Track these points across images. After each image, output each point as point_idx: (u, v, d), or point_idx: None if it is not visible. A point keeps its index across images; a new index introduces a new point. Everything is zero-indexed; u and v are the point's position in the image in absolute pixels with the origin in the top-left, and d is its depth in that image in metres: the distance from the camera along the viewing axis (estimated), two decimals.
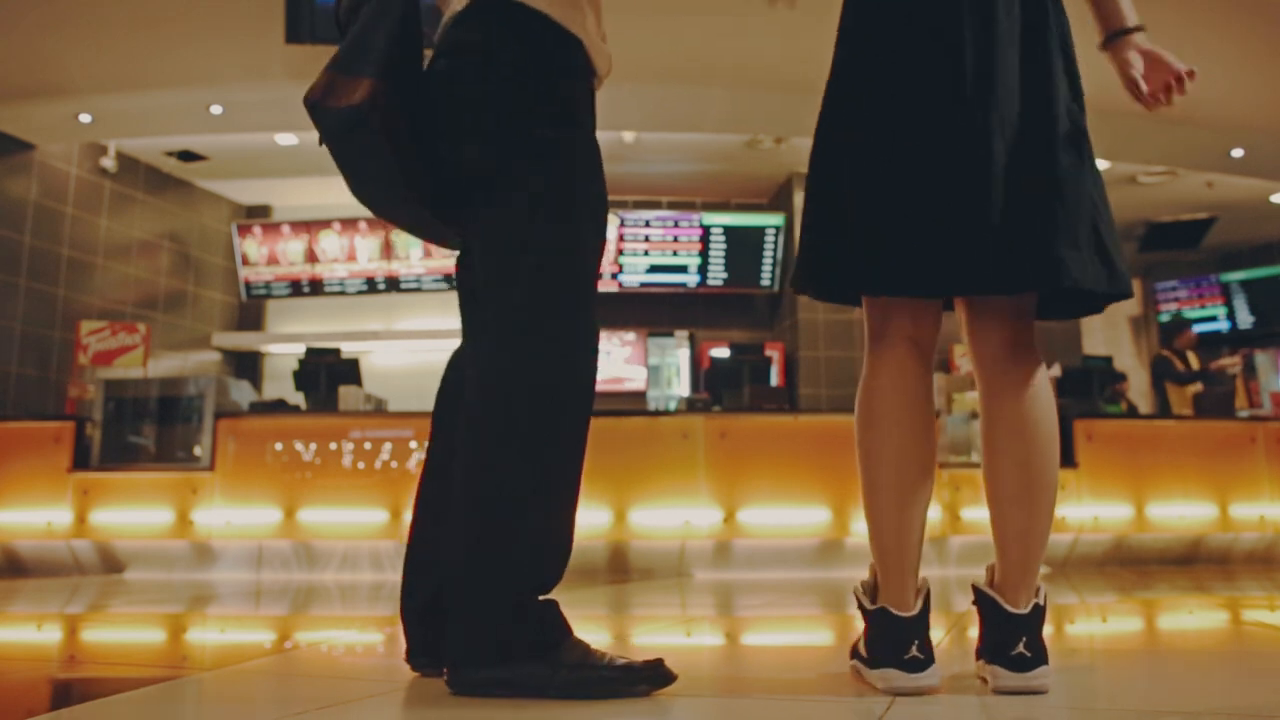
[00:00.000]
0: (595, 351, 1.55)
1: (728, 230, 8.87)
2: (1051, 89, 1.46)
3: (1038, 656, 1.41)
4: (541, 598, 1.47)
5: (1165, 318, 10.56)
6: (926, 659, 1.41)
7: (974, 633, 1.56)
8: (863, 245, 1.45)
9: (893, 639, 1.42)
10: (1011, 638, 1.42)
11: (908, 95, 1.45)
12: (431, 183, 1.52)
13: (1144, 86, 1.51)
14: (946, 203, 1.41)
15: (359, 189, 1.54)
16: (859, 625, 1.57)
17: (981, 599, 1.48)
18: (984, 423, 1.53)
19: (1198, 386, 7.52)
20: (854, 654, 1.57)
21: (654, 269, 8.85)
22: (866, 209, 1.46)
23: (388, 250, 8.88)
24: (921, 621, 1.44)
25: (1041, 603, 1.47)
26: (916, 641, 1.41)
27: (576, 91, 1.55)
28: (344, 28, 1.53)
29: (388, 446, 5.02)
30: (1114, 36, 1.53)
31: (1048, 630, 1.50)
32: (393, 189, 1.50)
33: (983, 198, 1.40)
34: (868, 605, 1.49)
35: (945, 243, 1.40)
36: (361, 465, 5.01)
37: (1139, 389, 10.13)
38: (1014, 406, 1.49)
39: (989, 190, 1.40)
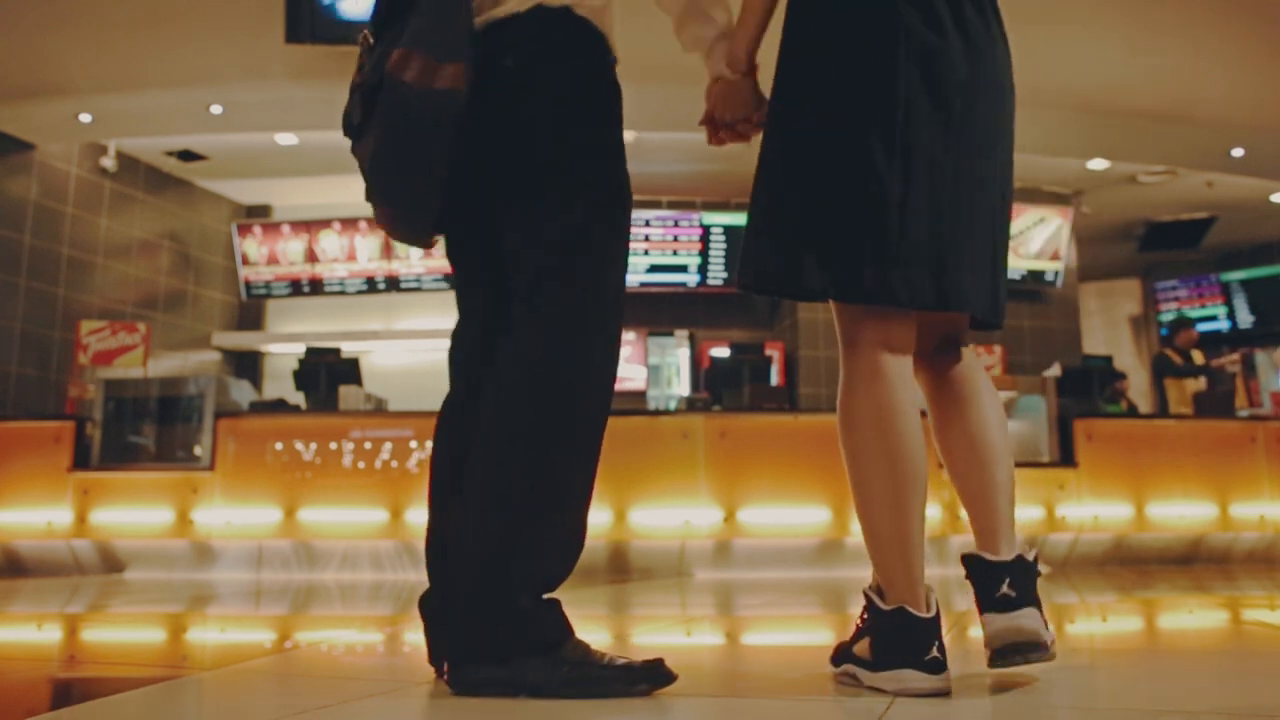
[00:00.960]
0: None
1: (728, 230, 8.87)
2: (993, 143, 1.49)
3: (1022, 598, 1.41)
4: (545, 596, 1.47)
5: (1169, 317, 10.58)
6: (944, 661, 1.38)
7: (975, 632, 1.55)
8: (810, 250, 1.44)
9: (912, 640, 1.37)
10: (996, 582, 1.43)
11: (844, 115, 1.45)
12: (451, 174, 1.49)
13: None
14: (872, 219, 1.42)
15: (396, 172, 1.47)
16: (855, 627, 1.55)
17: (967, 561, 1.50)
18: (930, 407, 1.57)
19: (1200, 382, 7.53)
20: (844, 657, 1.51)
21: (654, 268, 8.85)
22: (820, 217, 1.45)
23: (388, 250, 8.88)
24: (938, 623, 1.41)
25: (1029, 558, 1.48)
26: (936, 643, 1.38)
27: (615, 91, 1.60)
28: (395, 11, 1.47)
29: (388, 446, 5.02)
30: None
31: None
32: (433, 176, 1.47)
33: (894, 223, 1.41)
34: (883, 606, 1.42)
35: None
36: (362, 465, 5.01)
37: (1139, 388, 10.14)
38: (955, 388, 1.55)
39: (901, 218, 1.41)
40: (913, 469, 1.43)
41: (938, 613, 1.42)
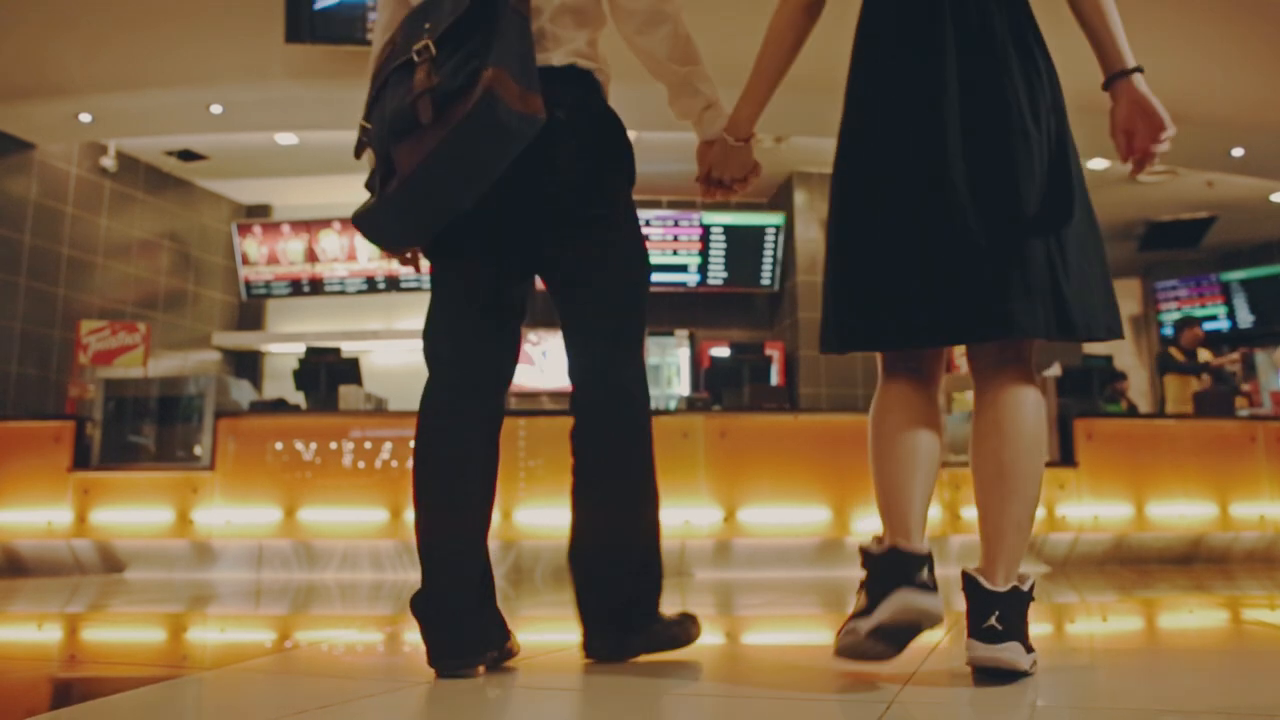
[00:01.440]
0: None
1: (728, 229, 8.87)
2: (1018, 167, 1.57)
3: (1009, 632, 1.47)
4: None
5: (1173, 315, 10.59)
6: (934, 588, 1.48)
7: None
8: (847, 307, 1.67)
9: (903, 569, 1.48)
10: (985, 612, 1.49)
11: (888, 168, 1.61)
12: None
13: (1132, 138, 1.61)
14: (917, 267, 1.58)
15: (451, 174, 1.59)
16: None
17: (966, 580, 1.54)
18: (973, 424, 1.65)
19: (1205, 381, 7.52)
20: (847, 622, 1.52)
21: (654, 268, 8.84)
22: (850, 274, 1.67)
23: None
24: (930, 558, 1.52)
25: (1024, 589, 1.53)
26: (926, 568, 1.49)
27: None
28: (463, 29, 1.58)
29: (388, 446, 5.02)
30: (1112, 79, 1.62)
31: (1047, 629, 1.50)
32: (479, 187, 1.62)
33: (948, 262, 1.56)
34: (875, 550, 1.53)
35: (914, 302, 1.58)
36: (362, 465, 5.01)
37: (1139, 388, 10.14)
38: (995, 411, 1.60)
39: (954, 256, 1.56)
40: (883, 461, 1.64)
41: (929, 553, 1.53)
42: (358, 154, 1.80)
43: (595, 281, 1.78)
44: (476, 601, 1.70)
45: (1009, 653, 1.46)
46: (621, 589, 1.74)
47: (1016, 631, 1.49)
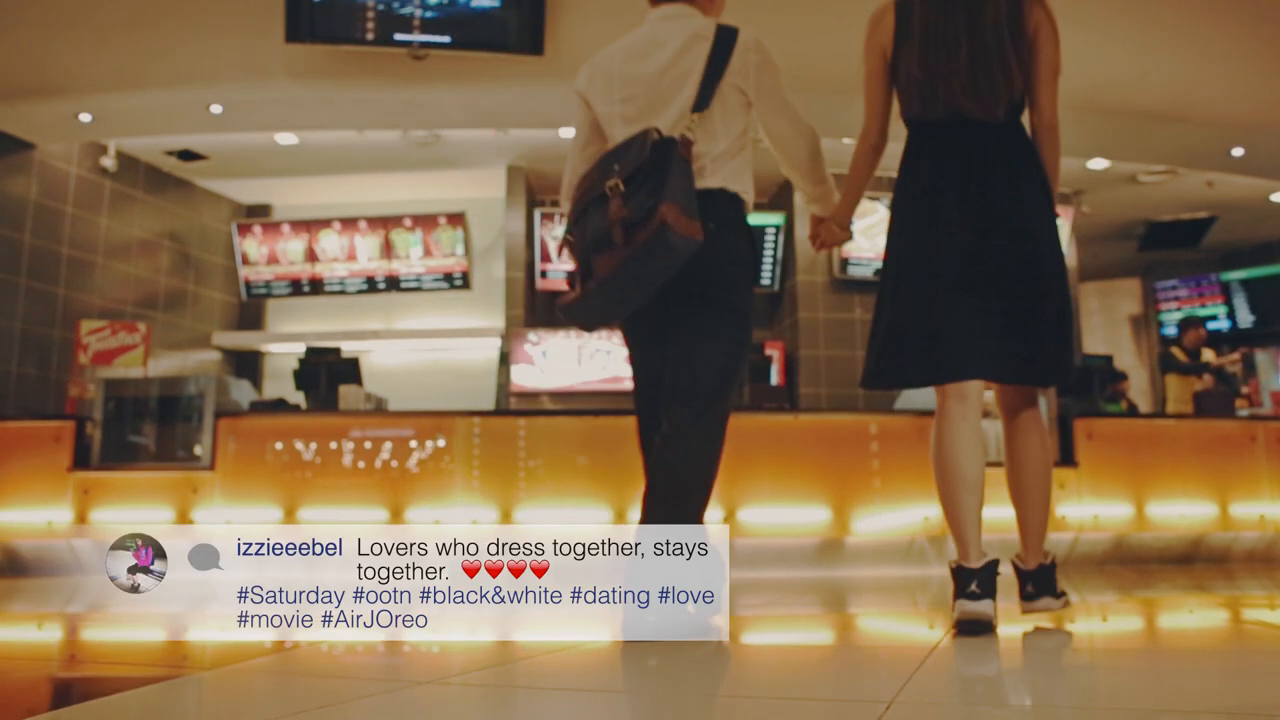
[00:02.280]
0: None
1: None
2: (1038, 252, 2.15)
3: (1039, 592, 2.25)
4: None
5: (1174, 315, 10.59)
6: (984, 594, 2.06)
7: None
8: (926, 350, 2.19)
9: (961, 581, 2.09)
10: (1024, 583, 2.27)
11: (930, 259, 2.19)
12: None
13: None
14: (963, 321, 2.14)
15: (637, 280, 2.15)
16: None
17: (1013, 565, 2.29)
18: (1005, 452, 2.29)
19: (1207, 381, 7.52)
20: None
21: None
22: (921, 329, 2.19)
23: (388, 249, 8.88)
24: (983, 571, 2.09)
25: (1048, 563, 2.28)
26: (975, 581, 2.06)
27: (758, 246, 2.52)
28: (644, 172, 2.13)
29: (388, 446, 5.02)
30: None
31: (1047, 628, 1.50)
32: (654, 288, 2.18)
33: (984, 320, 2.14)
34: (950, 566, 2.14)
35: (952, 347, 2.16)
36: (362, 465, 5.01)
37: (1139, 388, 10.13)
38: (1019, 445, 2.27)
39: (991, 317, 2.14)
40: (951, 477, 2.16)
41: (986, 565, 2.09)
42: (560, 252, 2.49)
43: (690, 334, 2.31)
44: None
45: (1041, 604, 2.24)
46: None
47: (1046, 590, 2.25)
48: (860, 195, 2.41)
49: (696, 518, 2.29)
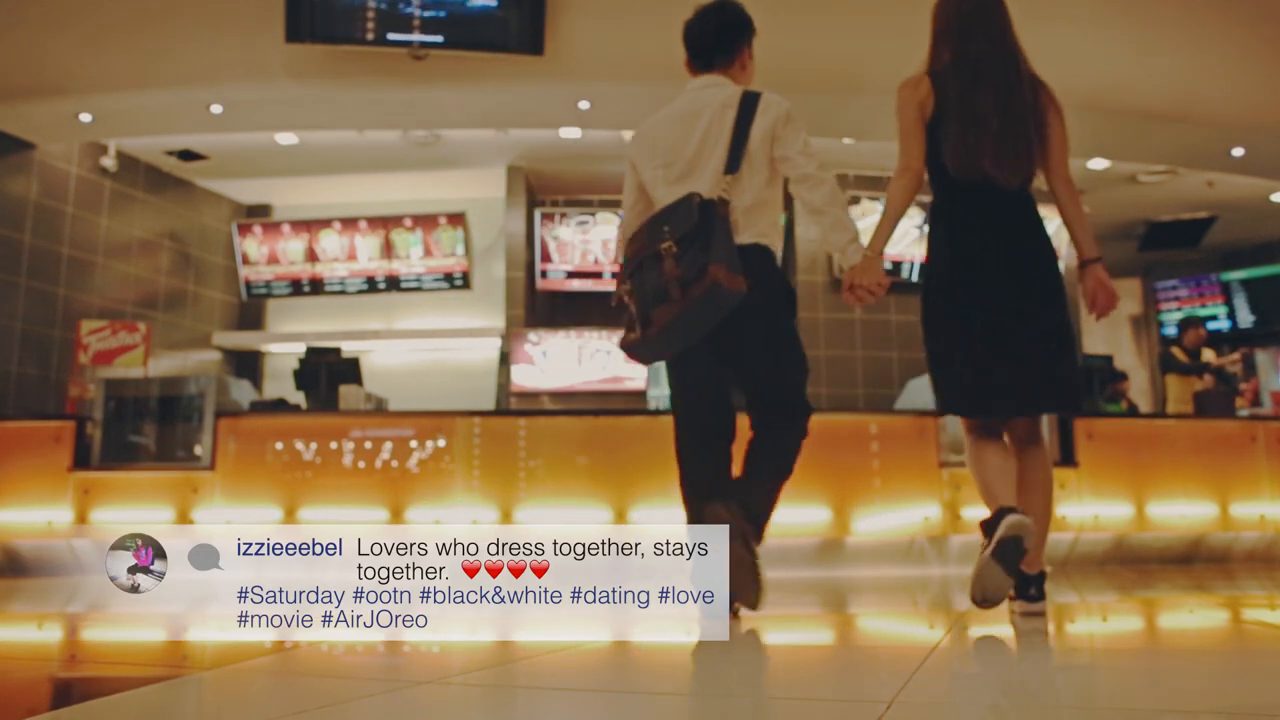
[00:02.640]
0: None
1: None
2: (1054, 304, 2.55)
3: (1040, 594, 2.50)
4: None
5: (1174, 315, 10.59)
6: (1009, 510, 2.35)
7: (974, 631, 1.54)
8: (957, 388, 2.59)
9: (1009, 510, 2.35)
10: (1027, 585, 2.48)
11: (968, 308, 2.55)
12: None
13: (1095, 305, 2.55)
14: (1002, 366, 2.52)
15: (690, 328, 2.54)
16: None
17: (1019, 572, 2.46)
18: (1018, 472, 2.55)
19: (1207, 381, 7.51)
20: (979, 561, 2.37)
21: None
22: (960, 371, 2.58)
23: (388, 249, 8.88)
24: (1007, 510, 2.35)
25: (1045, 570, 2.54)
26: (1006, 514, 2.35)
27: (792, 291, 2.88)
28: (693, 235, 2.50)
29: (388, 446, 5.02)
30: (1083, 265, 2.57)
31: (1051, 628, 1.50)
32: (703, 333, 2.57)
33: (1020, 365, 2.52)
34: (990, 514, 2.41)
35: (998, 388, 2.53)
36: (362, 465, 5.01)
37: (1139, 387, 10.13)
38: (1029, 468, 2.58)
39: (1025, 362, 2.52)
40: (988, 478, 2.51)
41: (1010, 508, 2.36)
42: (614, 304, 2.72)
43: (761, 366, 2.78)
44: None
45: (1039, 606, 2.50)
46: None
47: (1042, 594, 2.51)
48: (894, 227, 2.62)
49: (776, 499, 2.79)
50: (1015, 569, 2.32)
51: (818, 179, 2.61)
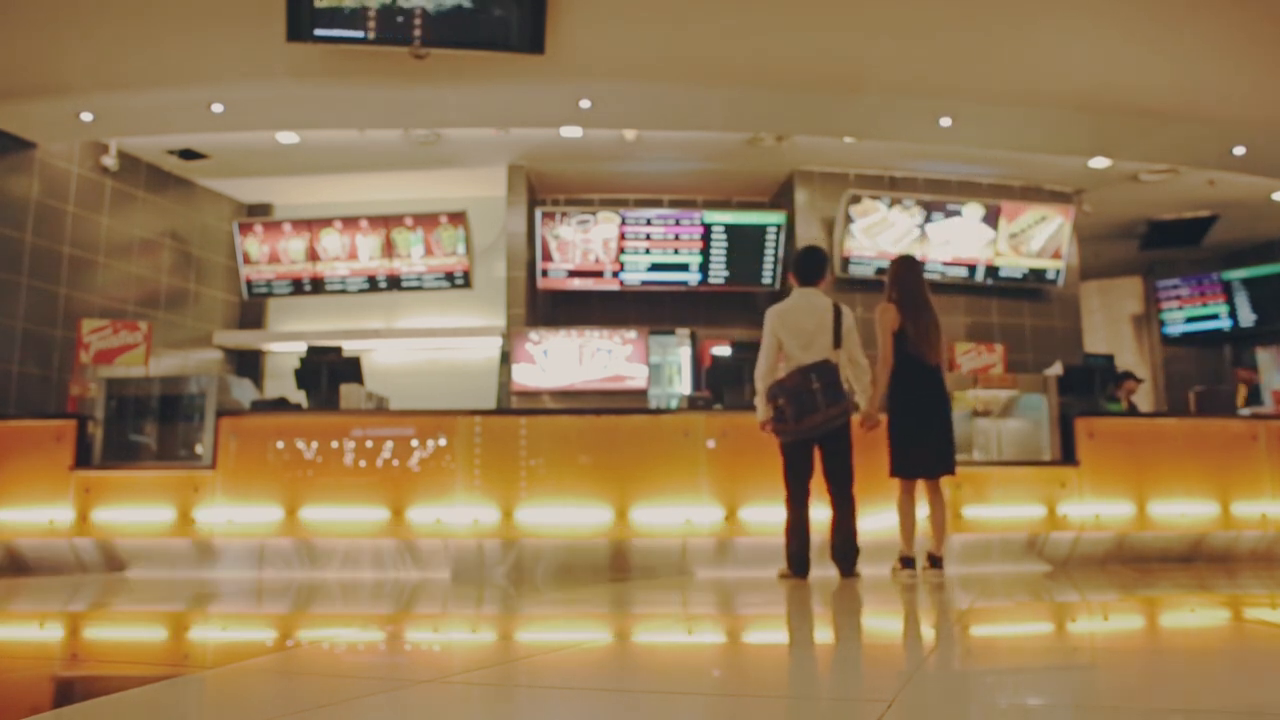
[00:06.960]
0: None
1: (729, 228, 8.87)
2: (948, 418, 4.51)
3: (939, 566, 4.31)
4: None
5: (1175, 314, 10.58)
6: (913, 566, 4.35)
7: (975, 631, 1.54)
8: (904, 462, 4.46)
9: (906, 563, 4.34)
10: (936, 563, 4.32)
11: (914, 419, 4.47)
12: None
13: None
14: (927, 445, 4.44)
15: (817, 432, 4.34)
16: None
17: (929, 556, 4.37)
18: (929, 506, 4.46)
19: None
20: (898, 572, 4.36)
21: (655, 267, 8.85)
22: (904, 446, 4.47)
23: (389, 249, 8.88)
24: (915, 559, 4.36)
25: (942, 554, 4.36)
26: (913, 564, 4.35)
27: None
28: (828, 382, 4.35)
29: (389, 445, 5.02)
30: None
31: (1048, 628, 1.49)
32: (820, 434, 4.36)
33: (935, 444, 4.44)
34: (901, 555, 4.36)
35: (923, 459, 4.44)
36: (363, 464, 5.01)
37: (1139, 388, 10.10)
38: (934, 503, 4.43)
39: (937, 442, 4.45)
40: (905, 522, 4.40)
41: (910, 559, 4.34)
42: (767, 428, 4.42)
43: (838, 457, 4.42)
44: None
45: (942, 573, 4.29)
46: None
47: (941, 567, 4.33)
48: (884, 392, 4.49)
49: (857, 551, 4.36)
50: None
51: (862, 367, 4.51)
